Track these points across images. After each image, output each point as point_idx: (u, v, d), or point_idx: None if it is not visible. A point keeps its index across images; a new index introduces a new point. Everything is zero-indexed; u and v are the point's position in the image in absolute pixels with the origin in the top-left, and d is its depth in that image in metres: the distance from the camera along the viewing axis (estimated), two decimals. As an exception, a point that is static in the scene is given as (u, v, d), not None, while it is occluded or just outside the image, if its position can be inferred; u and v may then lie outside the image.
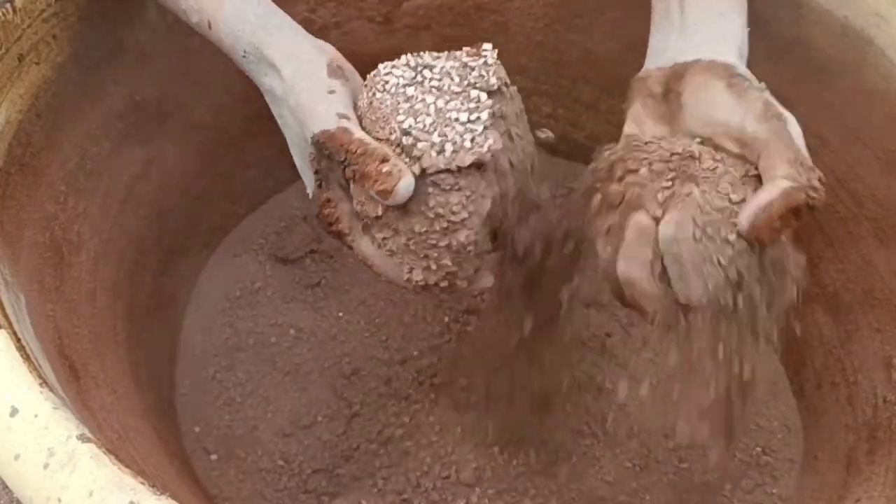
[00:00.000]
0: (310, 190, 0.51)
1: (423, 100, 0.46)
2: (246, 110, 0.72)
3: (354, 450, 0.66)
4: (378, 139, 0.47)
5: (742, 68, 0.50)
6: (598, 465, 0.66)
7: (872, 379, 0.63)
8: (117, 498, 0.34)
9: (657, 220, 0.45)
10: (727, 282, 0.44)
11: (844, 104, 0.63)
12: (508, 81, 0.48)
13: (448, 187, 0.45)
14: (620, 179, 0.47)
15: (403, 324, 0.71)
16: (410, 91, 0.47)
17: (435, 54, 0.49)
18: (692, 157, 0.46)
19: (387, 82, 0.48)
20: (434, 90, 0.47)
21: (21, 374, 0.38)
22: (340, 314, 0.73)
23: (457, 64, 0.48)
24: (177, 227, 0.71)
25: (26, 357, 0.39)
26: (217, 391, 0.68)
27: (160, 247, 0.69)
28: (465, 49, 0.49)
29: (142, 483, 0.35)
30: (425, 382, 0.69)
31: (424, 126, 0.45)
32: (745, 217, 0.44)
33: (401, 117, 0.46)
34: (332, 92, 0.49)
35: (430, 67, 0.48)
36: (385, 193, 0.44)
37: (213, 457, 0.65)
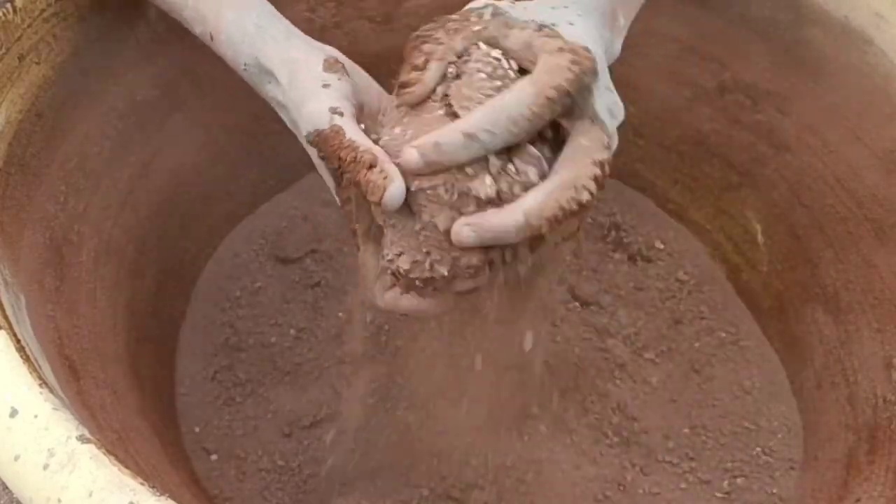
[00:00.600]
0: (332, 188, 0.50)
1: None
2: (246, 110, 0.72)
3: (355, 450, 0.66)
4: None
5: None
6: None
7: (872, 379, 0.63)
8: (117, 498, 0.34)
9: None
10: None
11: (844, 104, 0.63)
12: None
13: None
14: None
15: (403, 323, 0.71)
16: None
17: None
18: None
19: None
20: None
21: (21, 375, 0.38)
22: (340, 314, 0.73)
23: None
24: (177, 226, 0.71)
25: (26, 357, 0.39)
26: (217, 391, 0.68)
27: (160, 247, 0.69)
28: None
29: (142, 483, 0.35)
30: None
31: None
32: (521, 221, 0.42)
33: None
34: (326, 86, 0.48)
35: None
36: (376, 203, 0.43)
37: (213, 457, 0.65)
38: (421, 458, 0.65)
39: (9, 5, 0.52)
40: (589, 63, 0.43)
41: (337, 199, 0.50)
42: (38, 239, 0.54)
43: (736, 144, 0.72)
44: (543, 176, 0.44)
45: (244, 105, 0.71)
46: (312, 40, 0.52)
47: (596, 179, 0.43)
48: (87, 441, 0.36)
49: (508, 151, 0.43)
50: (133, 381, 0.59)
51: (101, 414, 0.49)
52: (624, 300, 0.75)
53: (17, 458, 0.36)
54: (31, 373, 0.38)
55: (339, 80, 0.48)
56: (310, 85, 0.48)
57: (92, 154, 0.60)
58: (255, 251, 0.76)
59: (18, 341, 0.40)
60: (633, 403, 0.69)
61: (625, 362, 0.71)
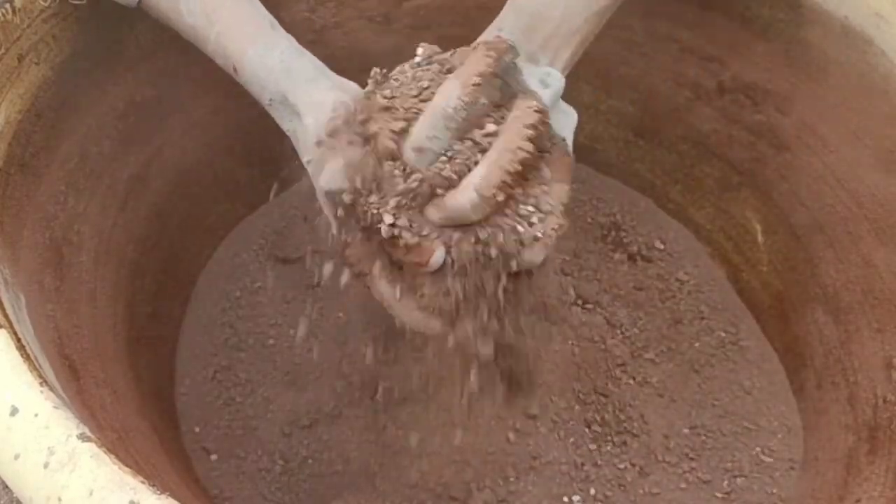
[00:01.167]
0: (333, 231, 0.51)
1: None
2: (246, 110, 0.72)
3: (354, 450, 0.66)
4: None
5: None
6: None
7: (872, 379, 0.63)
8: (117, 497, 0.34)
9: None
10: None
11: (844, 104, 0.63)
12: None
13: None
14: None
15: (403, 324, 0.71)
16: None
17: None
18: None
19: None
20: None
21: (21, 374, 0.38)
22: (340, 314, 0.73)
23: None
24: (177, 227, 0.71)
25: (26, 357, 0.39)
26: (217, 391, 0.68)
27: (160, 247, 0.69)
28: None
29: (142, 482, 0.35)
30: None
31: None
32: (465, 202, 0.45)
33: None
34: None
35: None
36: (419, 265, 0.46)
37: (213, 457, 0.65)
38: (421, 458, 0.65)
39: (8, 5, 0.52)
40: (503, 45, 0.47)
41: (337, 243, 0.51)
42: (38, 239, 0.54)
43: (736, 144, 0.72)
44: None
45: (244, 105, 0.71)
46: (337, 77, 0.53)
47: (530, 139, 0.45)
48: (88, 440, 0.36)
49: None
50: (133, 381, 0.59)
51: (101, 413, 0.49)
52: (624, 300, 0.75)
53: (17, 456, 0.36)
54: (31, 371, 0.38)
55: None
56: None
57: (92, 154, 0.60)
58: (255, 251, 0.76)
59: (19, 340, 0.40)
60: (633, 403, 0.69)
61: (625, 362, 0.71)
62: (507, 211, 0.46)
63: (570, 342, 0.72)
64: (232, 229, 0.77)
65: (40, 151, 0.55)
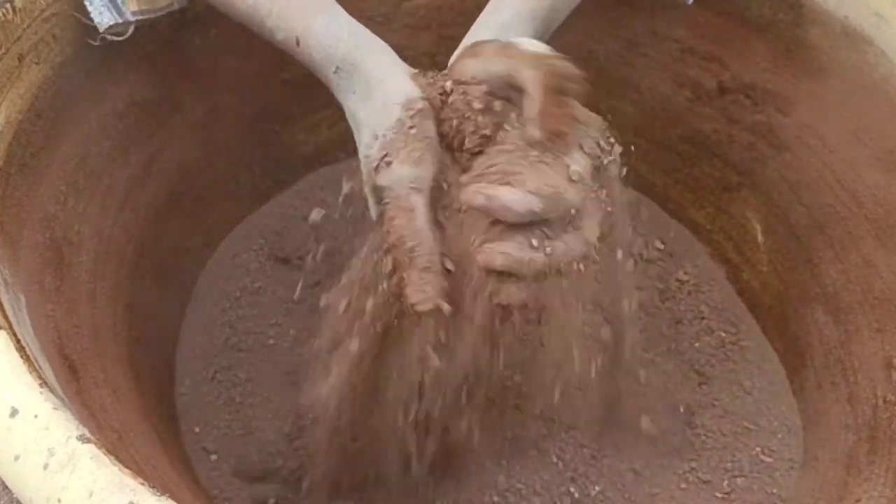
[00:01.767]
0: (373, 214, 0.50)
1: None
2: (246, 110, 0.72)
3: (354, 450, 0.66)
4: None
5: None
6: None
7: (872, 379, 0.63)
8: (117, 498, 0.34)
9: None
10: None
11: (844, 104, 0.63)
12: None
13: None
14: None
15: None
16: None
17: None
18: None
19: None
20: None
21: (21, 375, 0.38)
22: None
23: None
24: (177, 227, 0.71)
25: (26, 358, 0.39)
26: (217, 391, 0.68)
27: (160, 247, 0.69)
28: None
29: (142, 483, 0.35)
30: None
31: None
32: (532, 128, 0.45)
33: None
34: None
35: None
36: (412, 307, 0.45)
37: (213, 457, 0.65)
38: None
39: (8, 5, 0.52)
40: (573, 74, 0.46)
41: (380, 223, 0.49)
42: (38, 239, 0.54)
43: (736, 144, 0.72)
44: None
45: (244, 105, 0.71)
46: (403, 63, 0.51)
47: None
48: (88, 441, 0.36)
49: None
50: (133, 381, 0.59)
51: (101, 414, 0.49)
52: (624, 300, 0.75)
53: (17, 457, 0.36)
54: (31, 373, 0.38)
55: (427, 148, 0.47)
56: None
57: (92, 154, 0.60)
58: (255, 251, 0.76)
59: (18, 341, 0.40)
60: (633, 403, 0.69)
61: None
62: None
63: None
64: (232, 229, 0.77)
65: (40, 151, 0.55)
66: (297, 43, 0.52)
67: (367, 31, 0.52)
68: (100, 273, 0.60)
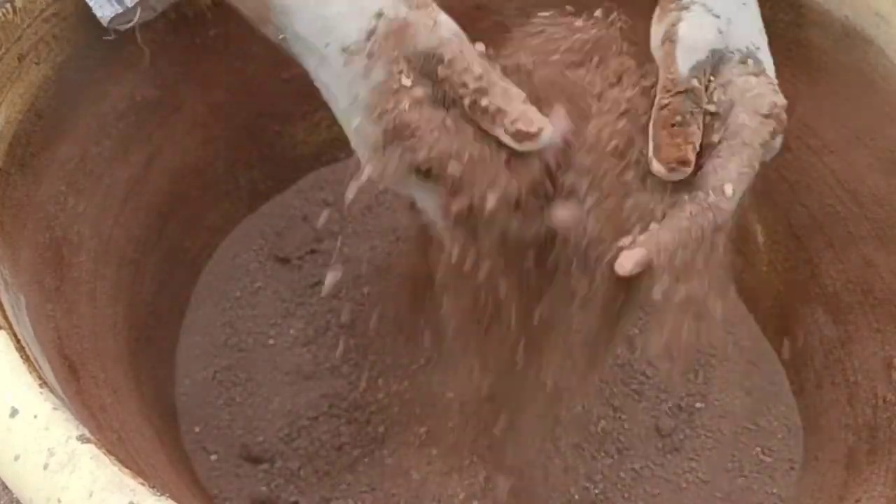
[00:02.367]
0: (432, 210, 0.45)
1: None
2: (247, 110, 0.72)
3: (354, 451, 0.66)
4: None
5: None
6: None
7: (872, 379, 0.63)
8: (117, 498, 0.34)
9: None
10: None
11: (844, 104, 0.63)
12: None
13: None
14: None
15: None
16: None
17: None
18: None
19: None
20: None
21: (21, 375, 0.38)
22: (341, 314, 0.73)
23: None
24: (177, 227, 0.71)
25: (26, 358, 0.39)
26: (217, 391, 0.68)
27: (160, 247, 0.69)
28: None
29: (142, 483, 0.35)
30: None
31: None
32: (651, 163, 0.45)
33: None
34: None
35: None
36: (525, 135, 0.41)
37: (213, 457, 0.65)
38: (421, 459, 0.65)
39: (8, 5, 0.52)
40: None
41: (441, 218, 0.45)
42: (38, 239, 0.54)
43: (736, 144, 0.72)
44: None
45: (244, 105, 0.71)
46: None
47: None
48: (88, 441, 0.36)
49: None
50: (133, 381, 0.59)
51: (101, 414, 0.49)
52: (624, 300, 0.75)
53: (17, 458, 0.36)
54: (31, 373, 0.38)
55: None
56: None
57: (92, 154, 0.60)
58: (255, 251, 0.76)
59: (18, 341, 0.40)
60: (632, 404, 0.69)
61: (624, 362, 0.71)
62: None
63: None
64: (232, 229, 0.77)
65: (40, 151, 0.55)
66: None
67: None
68: (100, 273, 0.60)
